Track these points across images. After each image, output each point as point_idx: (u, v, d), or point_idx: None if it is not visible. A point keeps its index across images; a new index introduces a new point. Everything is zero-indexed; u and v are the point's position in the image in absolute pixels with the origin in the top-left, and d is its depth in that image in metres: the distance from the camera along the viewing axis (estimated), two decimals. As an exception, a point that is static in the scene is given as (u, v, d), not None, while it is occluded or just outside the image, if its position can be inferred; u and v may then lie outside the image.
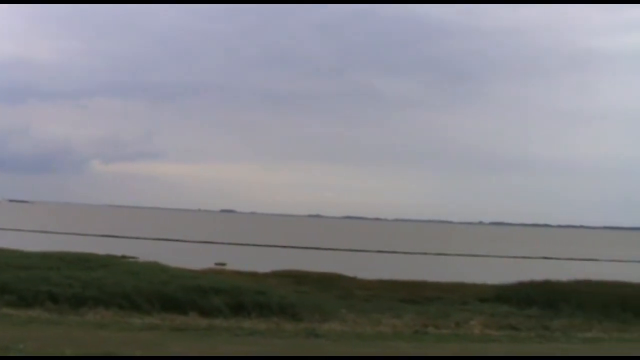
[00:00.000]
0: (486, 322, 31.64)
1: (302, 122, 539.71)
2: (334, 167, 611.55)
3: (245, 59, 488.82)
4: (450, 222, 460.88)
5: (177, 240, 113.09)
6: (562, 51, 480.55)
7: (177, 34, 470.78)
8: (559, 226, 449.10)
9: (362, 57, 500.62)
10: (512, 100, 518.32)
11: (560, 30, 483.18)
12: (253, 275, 49.11)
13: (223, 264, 62.98)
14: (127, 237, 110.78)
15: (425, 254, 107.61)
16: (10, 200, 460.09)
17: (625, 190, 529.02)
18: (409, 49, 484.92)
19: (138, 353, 18.51)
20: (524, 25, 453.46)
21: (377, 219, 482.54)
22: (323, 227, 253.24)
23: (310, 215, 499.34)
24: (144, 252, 68.68)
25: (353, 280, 50.03)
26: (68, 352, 17.74)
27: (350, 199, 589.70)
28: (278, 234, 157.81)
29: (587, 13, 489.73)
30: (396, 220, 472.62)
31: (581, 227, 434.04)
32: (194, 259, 64.31)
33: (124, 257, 60.11)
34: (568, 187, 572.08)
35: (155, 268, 43.13)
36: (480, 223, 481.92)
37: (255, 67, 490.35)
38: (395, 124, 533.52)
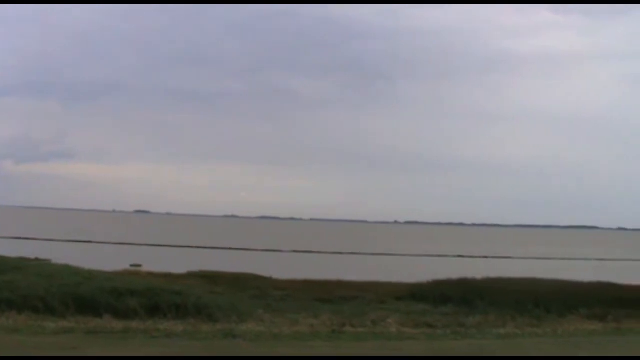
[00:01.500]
0: (402, 321, 31.85)
1: (218, 122, 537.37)
2: (250, 167, 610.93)
3: (159, 58, 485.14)
4: (366, 222, 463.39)
5: (91, 242, 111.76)
6: (475, 52, 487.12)
7: (91, 32, 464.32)
8: (474, 225, 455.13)
9: (277, 57, 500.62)
10: (427, 101, 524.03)
11: (473, 32, 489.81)
12: (168, 276, 48.82)
13: (138, 266, 62.47)
14: (40, 239, 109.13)
15: (341, 253, 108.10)
16: None
17: (536, 190, 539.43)
18: (325, 50, 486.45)
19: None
20: (438, 26, 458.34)
21: (293, 218, 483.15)
22: (238, 228, 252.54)
23: (225, 216, 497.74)
24: (58, 254, 67.70)
25: (269, 280, 50.03)
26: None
27: (265, 199, 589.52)
28: (193, 235, 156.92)
29: (498, 15, 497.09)
30: (312, 220, 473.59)
31: (495, 225, 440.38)
32: (108, 260, 63.67)
33: (36, 259, 59.23)
34: (482, 186, 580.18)
35: (69, 270, 42.56)
36: (396, 222, 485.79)
37: (170, 66, 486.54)
38: (311, 124, 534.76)
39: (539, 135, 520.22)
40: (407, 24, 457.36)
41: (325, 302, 39.47)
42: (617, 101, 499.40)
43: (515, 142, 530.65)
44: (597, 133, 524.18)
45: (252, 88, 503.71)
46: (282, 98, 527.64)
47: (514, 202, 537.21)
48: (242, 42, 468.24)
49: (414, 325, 30.73)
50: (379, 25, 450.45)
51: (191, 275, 50.44)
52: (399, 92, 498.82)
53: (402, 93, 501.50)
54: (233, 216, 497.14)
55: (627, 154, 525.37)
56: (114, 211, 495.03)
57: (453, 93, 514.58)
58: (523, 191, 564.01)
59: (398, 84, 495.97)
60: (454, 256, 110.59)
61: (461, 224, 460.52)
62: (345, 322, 30.40)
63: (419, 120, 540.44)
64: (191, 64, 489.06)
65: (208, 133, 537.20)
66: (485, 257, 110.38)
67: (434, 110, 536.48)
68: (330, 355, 20.49)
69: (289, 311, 34.17)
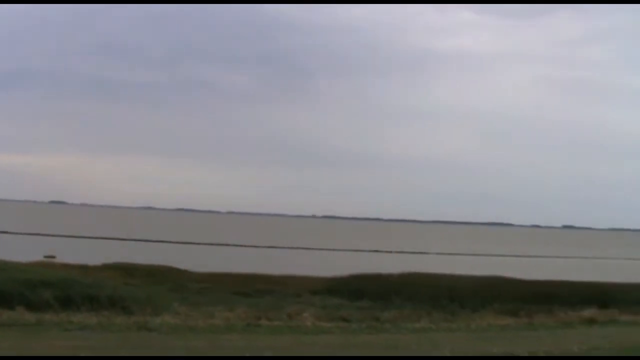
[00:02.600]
0: (318, 314, 31.94)
1: (135, 113, 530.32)
2: (167, 159, 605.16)
3: (74, 47, 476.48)
4: (283, 215, 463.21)
5: (3, 232, 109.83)
6: (398, 50, 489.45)
7: (2, 17, 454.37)
8: (390, 220, 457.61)
9: (197, 49, 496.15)
10: (350, 97, 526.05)
11: (396, 30, 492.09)
12: (83, 267, 48.22)
13: (52, 257, 61.64)
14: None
15: (258, 246, 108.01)
16: None
17: (454, 186, 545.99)
18: (245, 43, 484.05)
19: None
20: (362, 23, 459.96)
21: (210, 211, 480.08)
22: (155, 219, 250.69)
23: (142, 207, 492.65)
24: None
25: (185, 273, 49.79)
26: None
27: (182, 191, 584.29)
28: (109, 226, 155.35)
29: (420, 14, 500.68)
30: (229, 213, 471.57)
31: (413, 221, 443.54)
32: (21, 251, 62.68)
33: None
34: (400, 182, 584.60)
35: (-19, 261, 41.81)
36: (313, 216, 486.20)
37: (85, 55, 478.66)
38: (229, 117, 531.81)
39: (460, 132, 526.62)
40: (331, 20, 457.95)
41: (242, 295, 39.49)
42: (532, 101, 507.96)
43: (435, 139, 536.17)
44: (514, 132, 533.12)
45: (171, 79, 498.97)
46: (202, 90, 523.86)
47: (432, 198, 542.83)
48: (162, 33, 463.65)
49: (330, 319, 30.85)
50: (302, 20, 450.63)
51: (107, 267, 49.93)
52: (321, 88, 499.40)
53: (325, 89, 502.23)
54: (150, 208, 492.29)
55: (541, 153, 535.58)
56: (27, 201, 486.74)
57: (376, 90, 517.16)
58: (440, 187, 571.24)
59: (321, 80, 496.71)
60: (371, 251, 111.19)
61: (378, 219, 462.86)
62: (261, 315, 30.39)
63: (340, 116, 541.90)
64: (109, 54, 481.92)
65: (125, 123, 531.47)
66: (402, 252, 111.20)
67: (357, 106, 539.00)
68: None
69: (206, 304, 34.05)
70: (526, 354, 20.44)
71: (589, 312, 35.11)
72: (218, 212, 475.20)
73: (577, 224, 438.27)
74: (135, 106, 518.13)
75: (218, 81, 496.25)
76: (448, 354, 20.26)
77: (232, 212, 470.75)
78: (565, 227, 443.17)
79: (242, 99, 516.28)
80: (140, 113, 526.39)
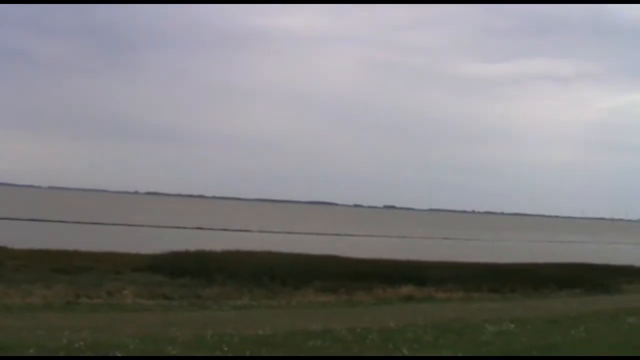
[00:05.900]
0: (139, 292, 31.76)
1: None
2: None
3: None
4: (105, 191, 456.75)
5: None
6: (221, 28, 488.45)
7: None
8: (214, 197, 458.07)
9: (15, 18, 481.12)
10: (174, 73, 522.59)
11: (221, 8, 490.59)
12: None
13: None
14: None
15: (79, 222, 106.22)
16: None
17: (278, 165, 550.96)
18: (67, 13, 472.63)
19: None
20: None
21: (31, 186, 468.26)
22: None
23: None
24: None
25: (2, 249, 48.44)
26: None
27: (1, 164, 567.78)
28: None
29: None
30: (50, 187, 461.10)
31: (235, 198, 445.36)
32: None
33: None
34: (224, 159, 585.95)
35: None
36: (136, 192, 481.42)
37: None
38: (50, 88, 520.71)
39: (283, 112, 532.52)
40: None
41: (62, 272, 38.69)
42: (355, 83, 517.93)
43: (258, 118, 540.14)
44: (338, 113, 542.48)
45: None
46: (21, 60, 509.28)
47: (255, 176, 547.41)
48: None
49: (151, 297, 30.75)
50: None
51: None
52: (146, 63, 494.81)
53: (149, 64, 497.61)
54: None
55: (365, 134, 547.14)
56: None
57: (201, 67, 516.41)
58: (263, 166, 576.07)
59: (145, 55, 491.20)
60: (193, 228, 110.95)
61: (201, 196, 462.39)
62: (80, 293, 29.98)
63: (164, 92, 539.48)
64: None
65: None
66: (225, 229, 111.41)
67: (181, 82, 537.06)
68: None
69: (23, 282, 33.27)
70: (344, 330, 20.89)
71: (406, 290, 36.20)
72: (39, 187, 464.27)
73: (397, 205, 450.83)
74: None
75: (37, 51, 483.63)
76: (269, 332, 20.50)
77: (53, 187, 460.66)
78: (386, 207, 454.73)
79: (62, 70, 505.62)
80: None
